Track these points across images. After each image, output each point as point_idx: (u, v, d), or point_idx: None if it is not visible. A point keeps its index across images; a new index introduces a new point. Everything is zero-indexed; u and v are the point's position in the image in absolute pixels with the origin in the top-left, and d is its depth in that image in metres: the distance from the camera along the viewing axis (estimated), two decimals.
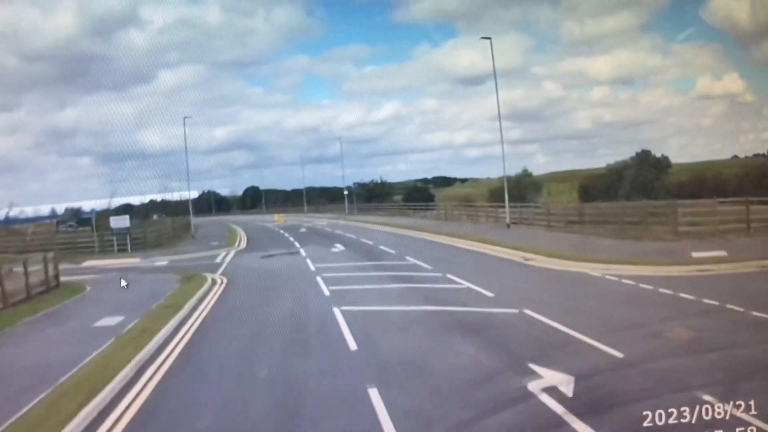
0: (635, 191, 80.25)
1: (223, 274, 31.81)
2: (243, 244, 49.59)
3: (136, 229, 52.90)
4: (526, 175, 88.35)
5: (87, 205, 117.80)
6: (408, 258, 31.93)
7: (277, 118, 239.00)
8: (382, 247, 37.95)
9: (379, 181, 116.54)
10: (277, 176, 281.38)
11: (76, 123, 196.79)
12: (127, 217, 49.35)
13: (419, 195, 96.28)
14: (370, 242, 41.92)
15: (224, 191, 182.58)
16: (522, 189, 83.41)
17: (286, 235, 55.82)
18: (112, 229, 48.22)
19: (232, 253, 43.46)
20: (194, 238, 60.77)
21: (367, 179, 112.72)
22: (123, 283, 27.91)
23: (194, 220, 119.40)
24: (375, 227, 56.39)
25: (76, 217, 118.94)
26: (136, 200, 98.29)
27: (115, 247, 48.44)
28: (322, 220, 78.38)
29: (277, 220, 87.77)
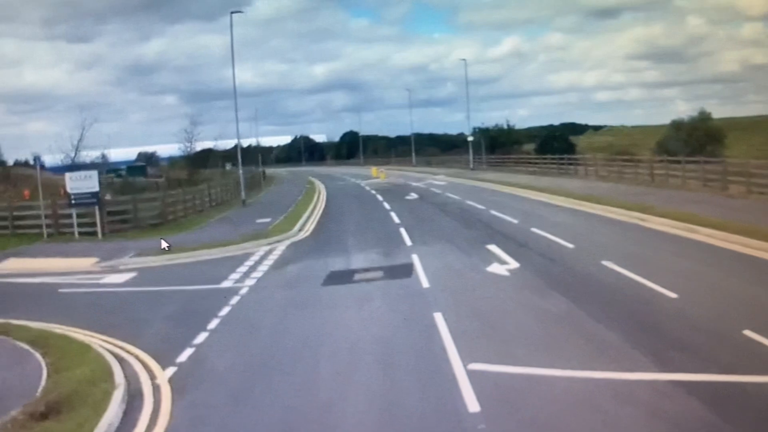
0: None
1: (185, 375, 10.98)
2: (309, 226, 28.54)
3: (119, 195, 33.12)
4: (704, 118, 64.79)
5: (164, 150, 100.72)
6: None
7: (382, 54, 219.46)
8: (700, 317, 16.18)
9: (505, 127, 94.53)
10: (379, 121, 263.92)
11: (160, 56, 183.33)
12: (94, 174, 28.79)
13: (556, 145, 74.12)
14: (615, 267, 16.60)
15: (320, 137, 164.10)
16: (700, 138, 60.53)
17: (386, 206, 34.59)
18: (69, 197, 28.14)
19: (279, 251, 22.44)
20: (244, 206, 40.43)
21: (482, 125, 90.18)
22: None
23: (275, 171, 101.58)
24: (547, 199, 33.71)
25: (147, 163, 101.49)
26: (216, 144, 78.69)
27: (75, 230, 28.36)
28: (437, 178, 56.95)
29: (375, 175, 67.04)
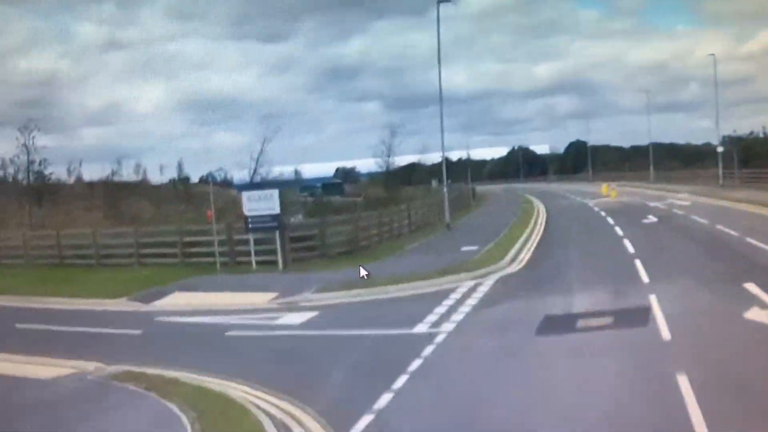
0: None
1: None
2: (524, 256, 26.87)
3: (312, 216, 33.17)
4: None
5: (365, 165, 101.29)
6: None
7: (615, 50, 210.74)
8: None
9: (761, 136, 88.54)
10: (611, 129, 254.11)
11: (361, 57, 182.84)
12: (274, 193, 28.57)
13: None
14: None
15: (541, 148, 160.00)
16: None
17: (618, 231, 32.19)
18: (245, 220, 28.24)
19: (486, 287, 21.05)
20: (448, 230, 39.61)
21: (733, 133, 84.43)
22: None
23: (487, 189, 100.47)
24: None
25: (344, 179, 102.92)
26: (421, 158, 78.68)
27: (252, 259, 28.36)
28: (679, 197, 53.58)
29: (605, 193, 64.32)
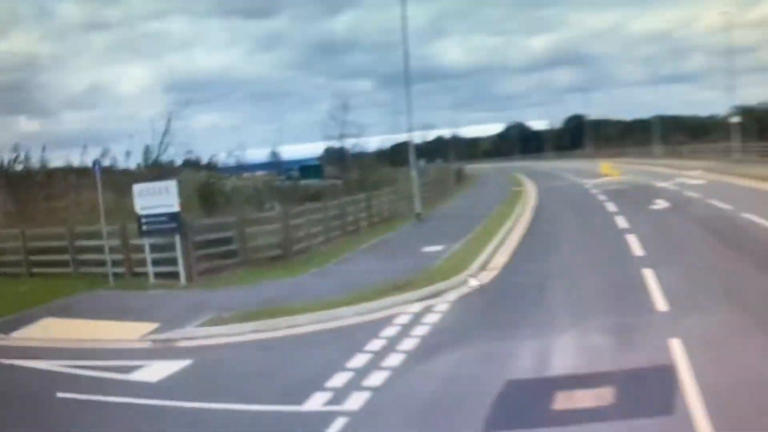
0: None
1: None
2: (498, 260, 21.26)
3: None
4: None
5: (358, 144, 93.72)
6: None
7: (615, 20, 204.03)
8: None
9: None
10: (612, 102, 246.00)
11: (350, 33, 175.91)
12: (171, 186, 22.27)
13: None
14: None
15: (539, 123, 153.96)
16: None
17: (620, 222, 26.48)
18: (138, 221, 22.16)
19: (437, 314, 15.31)
20: (419, 222, 34.20)
21: (742, 104, 79.76)
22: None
23: (479, 168, 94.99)
24: None
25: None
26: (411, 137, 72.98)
27: (149, 270, 22.16)
28: (691, 174, 48.19)
29: (605, 173, 58.73)
